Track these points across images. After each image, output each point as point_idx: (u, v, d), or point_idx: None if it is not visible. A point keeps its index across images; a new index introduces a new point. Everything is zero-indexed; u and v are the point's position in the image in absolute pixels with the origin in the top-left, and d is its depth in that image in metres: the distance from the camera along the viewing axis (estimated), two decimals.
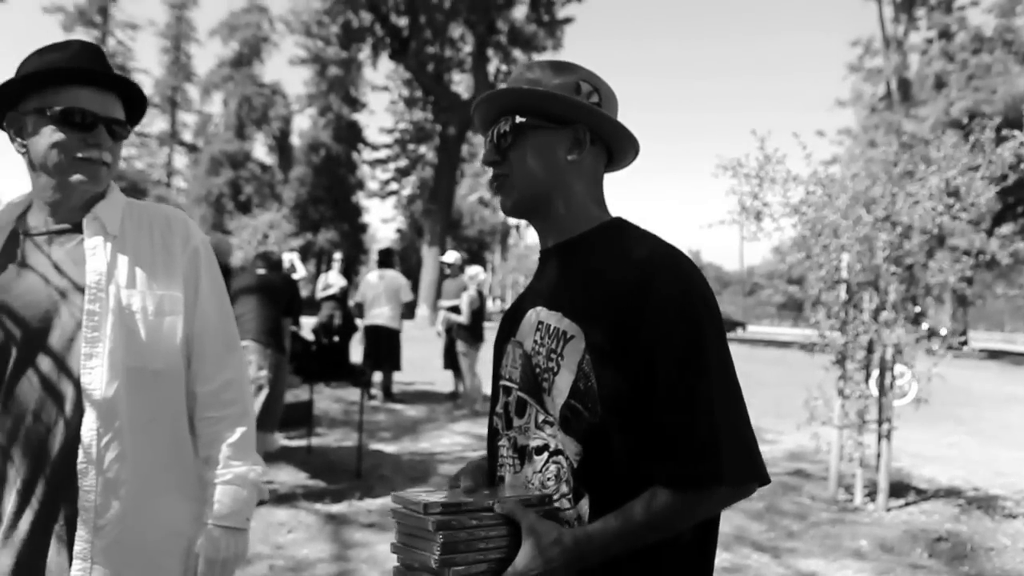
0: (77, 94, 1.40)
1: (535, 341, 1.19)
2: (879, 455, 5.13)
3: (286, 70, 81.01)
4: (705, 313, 1.10)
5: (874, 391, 5.19)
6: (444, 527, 1.01)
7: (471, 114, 1.29)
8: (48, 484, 1.36)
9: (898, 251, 4.59)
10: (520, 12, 26.43)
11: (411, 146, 35.66)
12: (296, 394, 6.77)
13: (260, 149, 39.02)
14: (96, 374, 1.37)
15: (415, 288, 23.14)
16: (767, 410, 8.91)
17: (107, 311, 1.39)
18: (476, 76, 26.82)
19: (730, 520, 4.73)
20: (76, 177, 1.40)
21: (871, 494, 5.20)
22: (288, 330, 5.25)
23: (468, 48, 27.78)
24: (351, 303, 9.65)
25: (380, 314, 8.83)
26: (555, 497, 1.12)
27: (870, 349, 5.07)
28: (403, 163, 36.62)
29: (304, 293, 9.53)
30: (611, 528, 1.04)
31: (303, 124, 39.53)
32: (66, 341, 1.38)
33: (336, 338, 7.99)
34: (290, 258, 8.61)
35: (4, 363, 1.37)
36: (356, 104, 38.39)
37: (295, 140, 39.02)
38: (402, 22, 26.16)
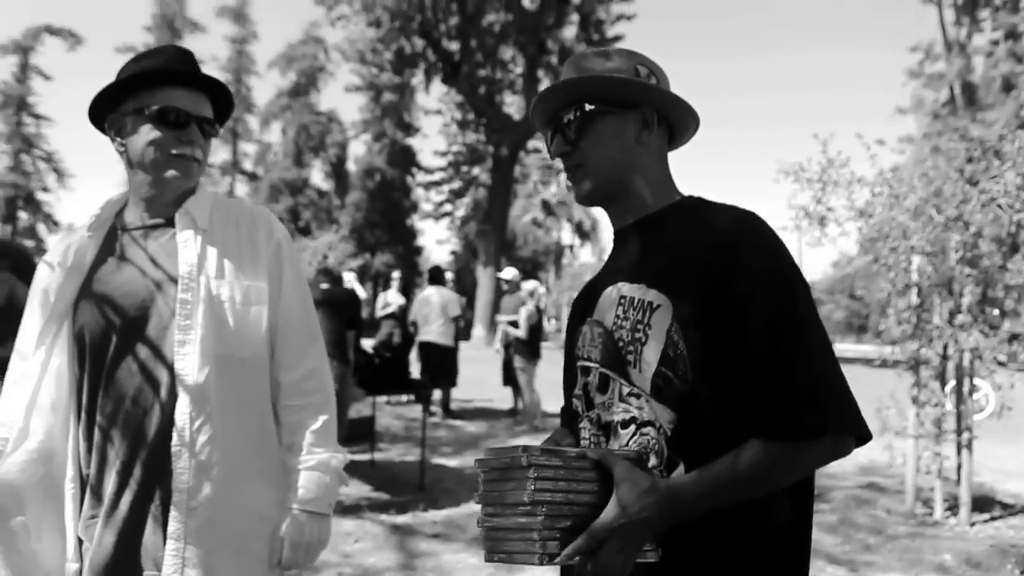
0: (171, 94, 1.47)
1: (617, 316, 1.20)
2: (959, 467, 4.92)
3: (341, 97, 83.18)
4: (793, 270, 1.11)
5: (950, 404, 4.98)
6: (538, 465, 1.00)
7: (531, 111, 1.31)
8: (145, 466, 1.41)
9: (972, 251, 4.43)
10: (570, 32, 26.62)
11: (464, 168, 36.10)
12: (358, 410, 6.87)
13: (317, 175, 40.02)
14: (189, 360, 1.42)
15: (471, 306, 23.28)
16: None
17: (198, 300, 1.45)
18: (527, 97, 27.01)
19: None
20: (170, 173, 1.48)
21: (952, 508, 4.99)
22: (352, 343, 5.35)
23: (519, 69, 28.05)
24: (409, 321, 9.79)
25: (431, 331, 8.91)
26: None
27: (945, 355, 4.88)
28: (457, 185, 37.07)
29: (363, 314, 9.71)
30: (707, 479, 1.03)
31: (358, 150, 40.39)
32: (161, 329, 1.45)
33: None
34: (349, 279, 8.79)
35: (105, 350, 1.44)
36: (410, 129, 39.09)
37: (351, 166, 39.89)
38: (453, 47, 26.58)
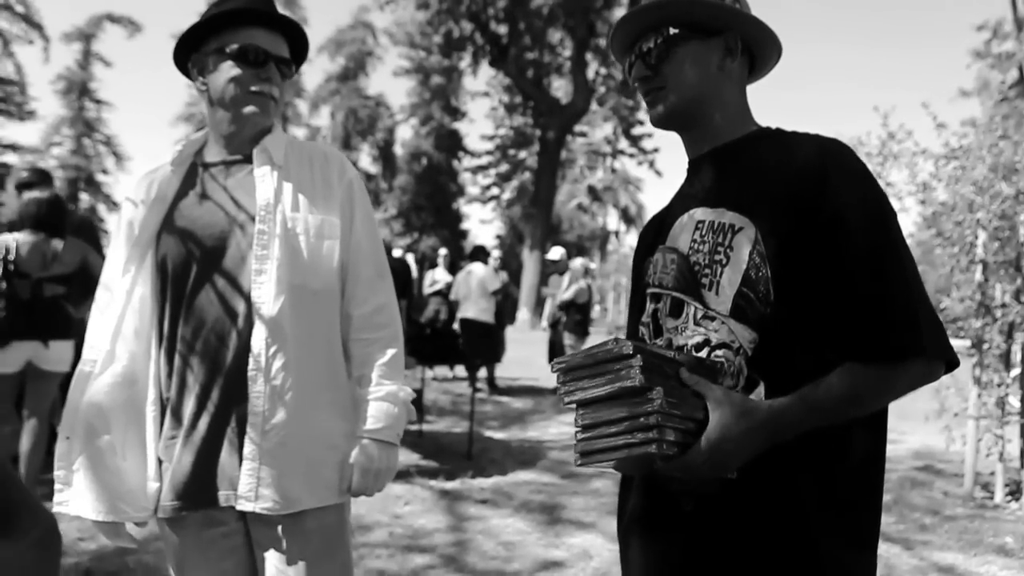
0: (252, 34, 1.52)
1: (694, 240, 1.20)
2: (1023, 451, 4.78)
3: (389, 82, 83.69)
4: (883, 196, 1.11)
5: (1017, 389, 4.83)
6: (643, 352, 1.00)
7: (609, 39, 1.31)
8: (222, 390, 1.47)
9: None
10: (619, 14, 26.30)
11: (511, 151, 36.05)
12: (407, 383, 6.92)
13: (365, 159, 40.38)
14: (265, 289, 1.47)
15: (516, 287, 23.29)
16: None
17: (274, 232, 1.49)
18: (575, 80, 26.84)
19: None
20: (249, 108, 1.52)
21: (1014, 493, 4.85)
22: (403, 311, 5.43)
23: (567, 52, 27.85)
24: (452, 297, 9.87)
25: (471, 308, 8.97)
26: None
27: (1010, 335, 4.73)
28: (503, 168, 37.05)
29: (412, 290, 9.84)
30: (804, 401, 1.03)
31: (406, 134, 40.62)
32: (238, 260, 1.50)
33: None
34: (401, 253, 8.90)
35: (185, 280, 1.50)
36: (456, 113, 39.14)
37: (398, 149, 40.16)
38: (502, 29, 26.51)
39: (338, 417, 1.56)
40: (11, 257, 4.01)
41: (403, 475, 5.00)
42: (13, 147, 26.49)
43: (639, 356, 0.98)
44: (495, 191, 38.23)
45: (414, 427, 6.57)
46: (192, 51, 1.57)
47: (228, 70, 1.51)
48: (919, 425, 5.43)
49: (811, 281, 1.07)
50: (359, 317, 1.59)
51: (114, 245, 1.58)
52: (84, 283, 4.23)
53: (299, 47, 1.63)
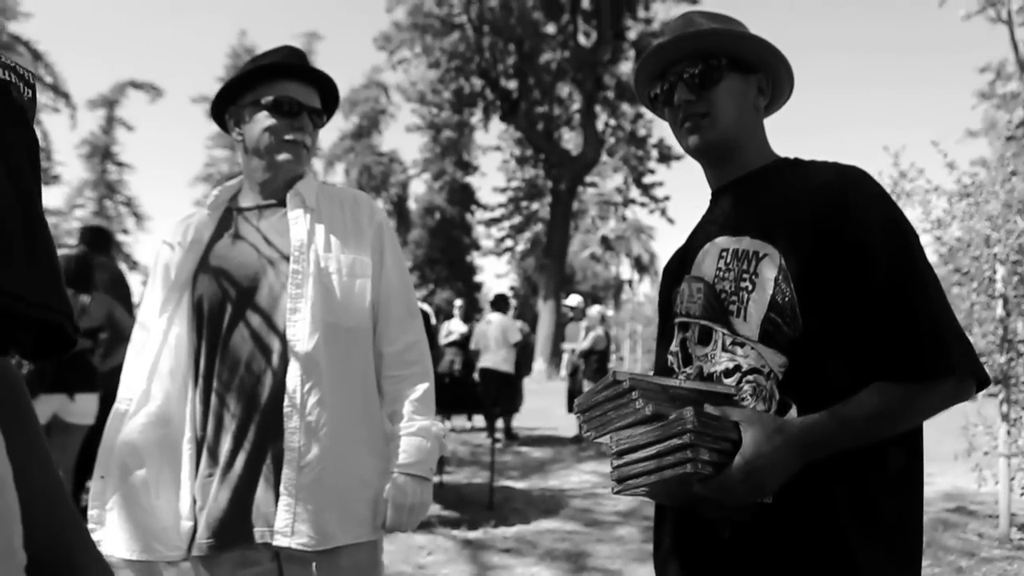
0: (286, 86, 1.59)
1: (719, 268, 1.22)
2: None
3: (402, 138, 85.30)
4: (904, 218, 1.14)
5: None
6: (641, 388, 1.03)
7: (639, 63, 1.33)
8: (258, 428, 1.49)
9: None
10: (626, 67, 26.84)
11: (523, 203, 36.43)
12: None
13: None
14: (300, 328, 1.50)
15: (532, 334, 23.24)
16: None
17: (308, 272, 1.54)
18: (585, 132, 27.27)
19: None
20: (283, 156, 1.59)
21: None
22: None
23: (576, 105, 28.37)
24: (472, 347, 9.88)
25: (491, 358, 8.97)
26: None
27: None
28: (516, 220, 37.39)
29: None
30: (834, 416, 1.04)
31: (419, 189, 41.21)
32: (273, 300, 1.54)
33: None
34: (424, 308, 8.95)
35: (221, 319, 1.54)
36: (468, 167, 39.72)
37: (412, 204, 40.67)
38: (511, 85, 27.10)
39: (372, 454, 1.57)
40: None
41: (425, 525, 4.94)
42: None
43: (637, 391, 1.02)
44: (509, 243, 38.50)
45: (435, 478, 6.51)
46: (229, 104, 1.64)
47: (263, 120, 1.58)
48: (948, 467, 5.33)
49: (837, 304, 1.09)
50: (390, 355, 1.62)
51: (151, 287, 1.63)
52: (110, 337, 4.30)
53: (330, 98, 1.70)
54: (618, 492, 1.07)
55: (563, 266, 28.36)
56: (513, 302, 10.51)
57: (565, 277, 30.92)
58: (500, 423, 9.31)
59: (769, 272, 1.14)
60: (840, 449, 1.05)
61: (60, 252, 4.34)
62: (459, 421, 10.85)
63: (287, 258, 1.55)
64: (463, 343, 10.06)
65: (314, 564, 1.48)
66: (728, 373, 1.18)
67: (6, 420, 0.60)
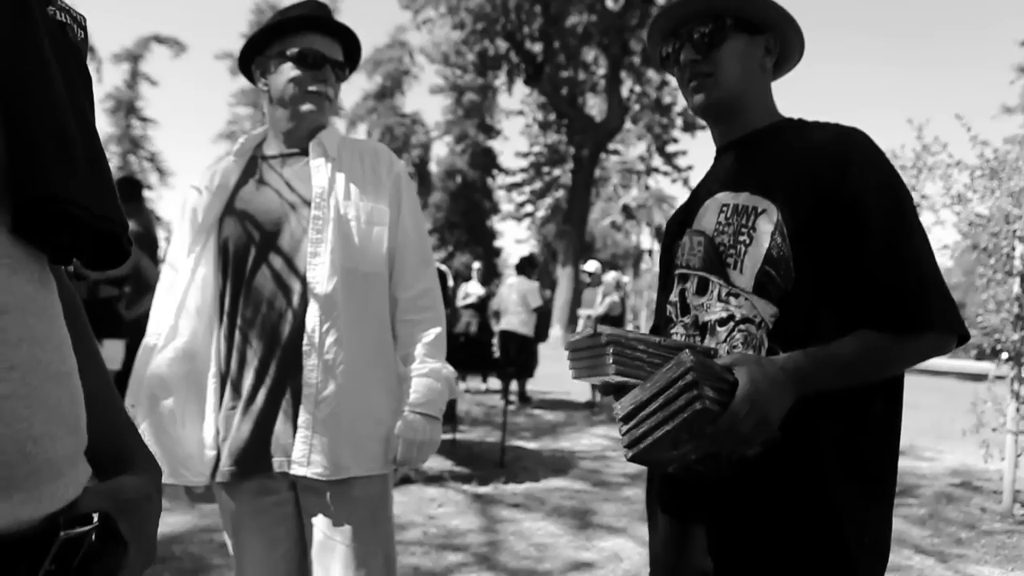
0: (310, 39, 1.65)
1: (719, 223, 1.27)
2: None
3: (425, 99, 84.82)
4: (899, 180, 1.18)
5: None
6: (615, 342, 1.08)
7: (651, 24, 1.37)
8: (278, 364, 1.58)
9: None
10: None
11: (545, 169, 36.24)
12: None
13: None
14: (319, 271, 1.58)
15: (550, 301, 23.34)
16: (925, 431, 8.35)
17: (329, 218, 1.61)
18: (610, 98, 26.98)
19: None
20: (306, 107, 1.65)
21: None
22: None
23: (602, 71, 28.02)
24: (491, 311, 9.98)
25: (511, 320, 9.08)
26: None
27: None
28: (538, 186, 37.25)
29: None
30: (817, 353, 1.09)
31: (441, 151, 41.09)
32: (294, 243, 1.61)
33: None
34: (442, 268, 9.05)
35: (245, 261, 1.62)
36: (491, 131, 39.51)
37: (433, 167, 40.61)
38: (536, 48, 26.79)
39: (385, 393, 1.65)
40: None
41: (437, 480, 5.09)
42: None
43: (612, 349, 1.06)
44: (529, 208, 38.40)
45: (447, 436, 6.66)
46: (256, 54, 1.70)
47: (288, 71, 1.64)
48: (957, 444, 5.37)
49: (830, 260, 1.14)
50: (405, 300, 1.69)
51: (179, 228, 1.71)
52: (136, 286, 4.43)
53: (353, 52, 1.75)
54: (632, 458, 1.08)
55: (583, 233, 28.28)
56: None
57: (585, 244, 30.85)
58: (515, 386, 9.45)
59: (766, 227, 1.19)
60: (826, 386, 1.10)
61: None
62: (474, 383, 11.00)
63: (308, 204, 1.62)
64: (480, 305, 10.16)
65: (328, 494, 1.57)
66: (722, 322, 1.24)
67: (69, 328, 0.68)
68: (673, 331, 1.34)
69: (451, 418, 6.77)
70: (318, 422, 1.55)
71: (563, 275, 25.66)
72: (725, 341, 1.23)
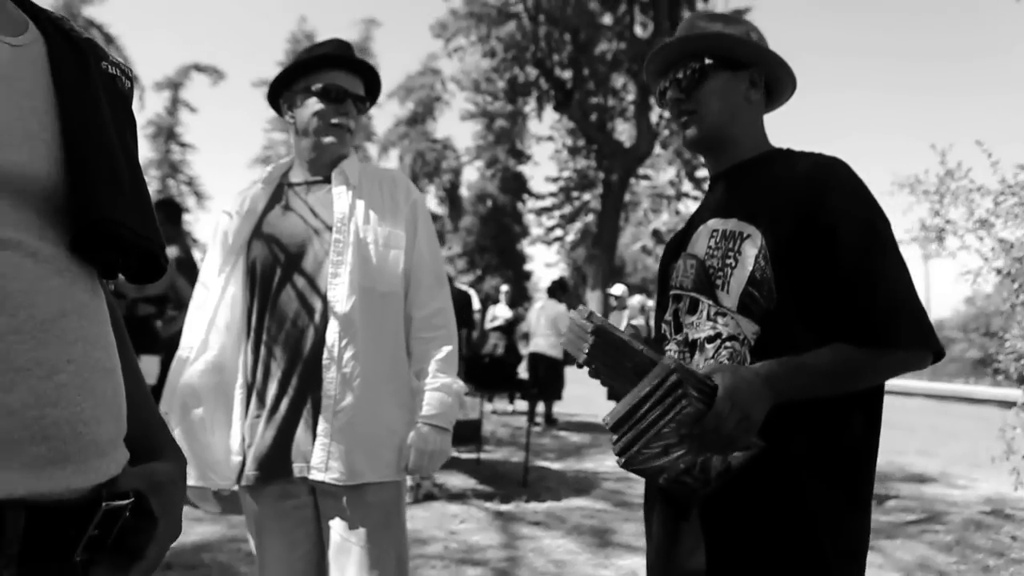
0: (333, 75, 1.79)
1: (709, 247, 1.36)
2: None
3: (456, 125, 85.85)
4: (875, 207, 1.25)
5: None
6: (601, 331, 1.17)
7: (646, 66, 1.49)
8: (300, 377, 1.69)
9: None
10: None
11: (575, 193, 36.43)
12: (465, 413, 7.13)
13: (432, 200, 41.39)
14: (339, 290, 1.70)
15: None
16: (958, 459, 8.22)
17: (349, 241, 1.73)
18: (639, 124, 27.11)
19: (912, 550, 4.45)
20: (328, 139, 1.78)
21: None
22: (464, 339, 5.66)
23: (631, 97, 28.19)
24: (519, 333, 10.09)
25: (539, 342, 9.17)
26: None
27: None
28: (567, 210, 37.43)
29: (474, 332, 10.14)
30: (792, 362, 1.17)
31: (471, 176, 41.56)
32: (317, 265, 1.73)
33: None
34: (466, 288, 9.18)
35: (271, 281, 1.74)
36: (521, 156, 39.87)
37: (464, 191, 41.03)
38: (566, 75, 27.09)
39: (399, 405, 1.76)
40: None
41: (459, 497, 5.17)
42: None
43: (595, 338, 1.16)
44: (559, 233, 38.52)
45: (472, 455, 6.74)
46: (284, 89, 1.84)
47: (313, 105, 1.78)
48: (992, 472, 5.30)
49: (807, 281, 1.22)
50: (420, 319, 1.80)
51: (211, 250, 1.84)
52: (172, 304, 4.62)
53: (373, 86, 1.89)
54: (624, 465, 1.14)
55: (613, 257, 28.30)
56: None
57: (614, 268, 30.84)
58: (541, 408, 9.51)
59: (750, 251, 1.28)
60: (800, 393, 1.17)
61: None
62: (501, 404, 11.07)
63: (330, 228, 1.75)
64: (508, 328, 10.27)
65: (344, 498, 1.68)
66: (710, 340, 1.32)
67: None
68: (668, 348, 1.43)
69: (476, 438, 6.85)
70: (336, 431, 1.66)
71: (592, 299, 25.66)
72: (712, 358, 1.31)
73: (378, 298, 1.74)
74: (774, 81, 1.44)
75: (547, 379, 9.13)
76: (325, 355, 1.68)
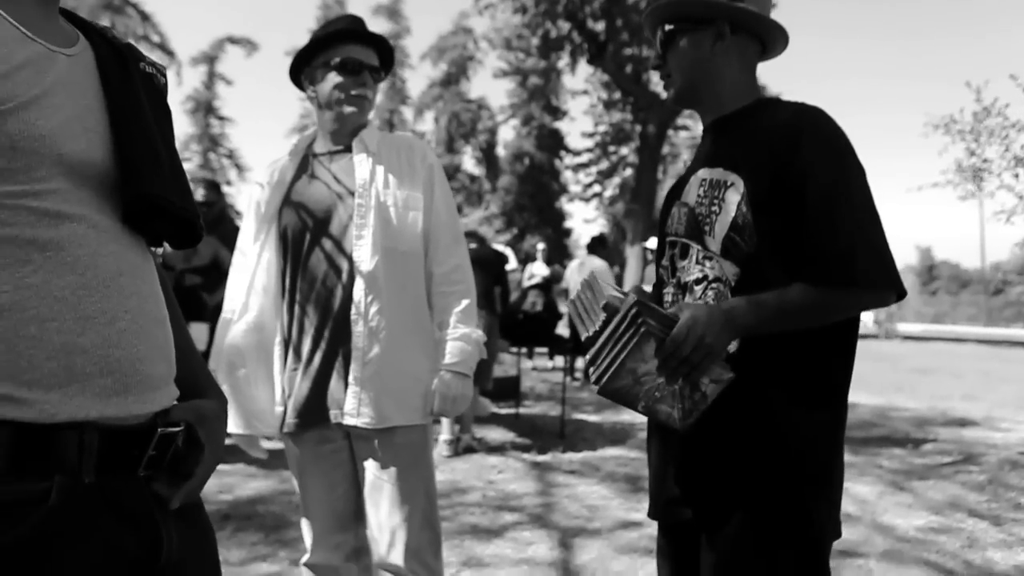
0: (349, 49, 1.90)
1: (698, 195, 1.46)
2: None
3: (490, 84, 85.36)
4: (848, 150, 1.32)
5: None
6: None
7: (645, 31, 1.58)
8: (331, 331, 1.85)
9: None
10: None
11: (612, 148, 36.11)
12: (505, 370, 7.35)
13: (469, 161, 41.40)
14: (363, 251, 1.84)
15: (619, 283, 23.36)
16: (1006, 403, 8.16)
17: (370, 205, 1.86)
18: None
19: (944, 489, 4.51)
20: (349, 109, 1.90)
21: None
22: (498, 297, 5.81)
23: None
24: (560, 287, 10.22)
25: None
26: None
27: None
28: (604, 165, 37.16)
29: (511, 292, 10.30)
30: (754, 298, 1.27)
31: (507, 135, 41.40)
32: (342, 228, 1.87)
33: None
34: (502, 250, 9.31)
35: (301, 245, 1.89)
36: (557, 112, 39.52)
37: (500, 151, 40.92)
38: (599, 27, 26.60)
39: (422, 355, 1.90)
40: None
41: (498, 449, 5.37)
42: None
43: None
44: (597, 188, 38.28)
45: (511, 410, 6.94)
46: (304, 66, 1.97)
47: (332, 79, 1.90)
48: None
49: (784, 226, 1.30)
50: (439, 275, 1.93)
51: (246, 219, 1.99)
52: (217, 274, 4.85)
53: (387, 57, 2.00)
54: (600, 392, 1.27)
55: (651, 211, 28.04)
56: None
57: (653, 222, 30.59)
58: (580, 363, 9.66)
59: (733, 197, 1.37)
60: (763, 326, 1.27)
61: None
62: (541, 361, 11.27)
63: (353, 194, 1.88)
64: (546, 285, 10.40)
65: (376, 441, 1.84)
66: (698, 282, 1.43)
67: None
68: (665, 291, 1.54)
69: (515, 394, 7.05)
70: (365, 379, 1.81)
71: (632, 253, 25.57)
72: (700, 298, 1.41)
73: (399, 256, 1.87)
74: (754, 29, 1.49)
75: None
76: (353, 311, 1.83)
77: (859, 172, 1.33)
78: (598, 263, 9.48)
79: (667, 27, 1.49)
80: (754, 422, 1.31)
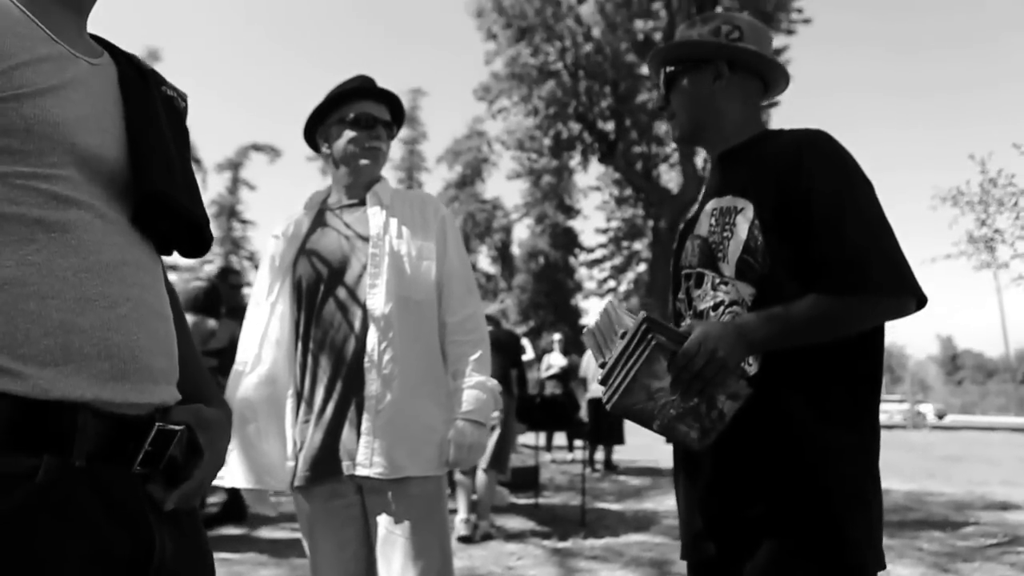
0: (362, 105, 1.96)
1: (710, 225, 1.46)
2: None
3: (504, 185, 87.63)
4: (852, 164, 1.34)
5: None
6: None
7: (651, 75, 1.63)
8: (344, 380, 1.82)
9: None
10: None
11: (624, 243, 36.56)
12: (523, 460, 7.17)
13: (484, 260, 41.97)
14: (377, 299, 1.83)
15: None
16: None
17: (384, 254, 1.87)
18: (684, 169, 27.21)
19: (992, 571, 4.26)
20: (363, 162, 1.95)
21: None
22: (515, 380, 5.74)
23: (674, 144, 28.41)
24: (577, 379, 10.11)
25: (600, 388, 9.13)
26: None
27: None
28: (618, 260, 37.52)
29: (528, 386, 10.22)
30: (765, 311, 1.25)
31: (522, 233, 42.13)
32: (356, 277, 1.88)
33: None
34: (515, 331, 9.29)
35: (315, 294, 1.89)
36: (570, 211, 40.32)
37: (515, 249, 41.53)
38: (608, 126, 27.52)
39: (436, 404, 1.86)
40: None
41: (517, 536, 5.17)
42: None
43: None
44: (611, 284, 38.53)
45: (530, 500, 6.72)
46: (319, 125, 2.03)
47: (347, 134, 1.96)
48: None
49: (795, 242, 1.31)
50: (453, 324, 1.92)
51: (261, 270, 2.01)
52: (233, 357, 4.85)
53: (398, 113, 2.06)
54: (612, 409, 1.26)
55: (666, 305, 28.09)
56: None
57: (667, 316, 30.55)
58: (600, 455, 9.43)
59: (744, 222, 1.37)
60: (777, 340, 1.25)
61: (193, 284, 4.96)
62: (560, 454, 11.01)
63: (367, 242, 1.89)
64: (563, 376, 10.30)
65: (389, 492, 1.77)
66: (714, 308, 1.40)
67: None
68: (683, 324, 1.51)
69: (534, 484, 6.85)
70: (378, 428, 1.77)
71: None
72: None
73: (413, 305, 1.87)
74: (752, 67, 1.53)
75: (608, 424, 9.06)
76: (366, 359, 1.80)
77: (865, 183, 1.33)
78: None
79: (669, 69, 1.54)
80: (780, 442, 1.26)
